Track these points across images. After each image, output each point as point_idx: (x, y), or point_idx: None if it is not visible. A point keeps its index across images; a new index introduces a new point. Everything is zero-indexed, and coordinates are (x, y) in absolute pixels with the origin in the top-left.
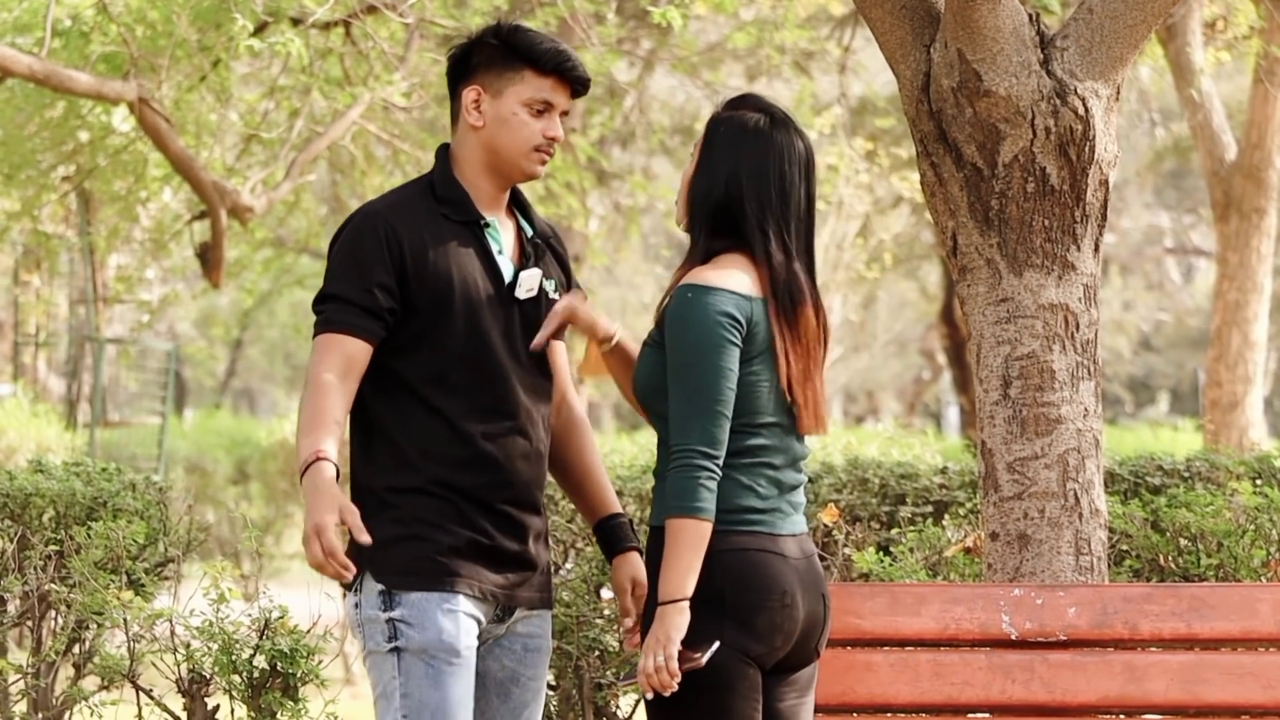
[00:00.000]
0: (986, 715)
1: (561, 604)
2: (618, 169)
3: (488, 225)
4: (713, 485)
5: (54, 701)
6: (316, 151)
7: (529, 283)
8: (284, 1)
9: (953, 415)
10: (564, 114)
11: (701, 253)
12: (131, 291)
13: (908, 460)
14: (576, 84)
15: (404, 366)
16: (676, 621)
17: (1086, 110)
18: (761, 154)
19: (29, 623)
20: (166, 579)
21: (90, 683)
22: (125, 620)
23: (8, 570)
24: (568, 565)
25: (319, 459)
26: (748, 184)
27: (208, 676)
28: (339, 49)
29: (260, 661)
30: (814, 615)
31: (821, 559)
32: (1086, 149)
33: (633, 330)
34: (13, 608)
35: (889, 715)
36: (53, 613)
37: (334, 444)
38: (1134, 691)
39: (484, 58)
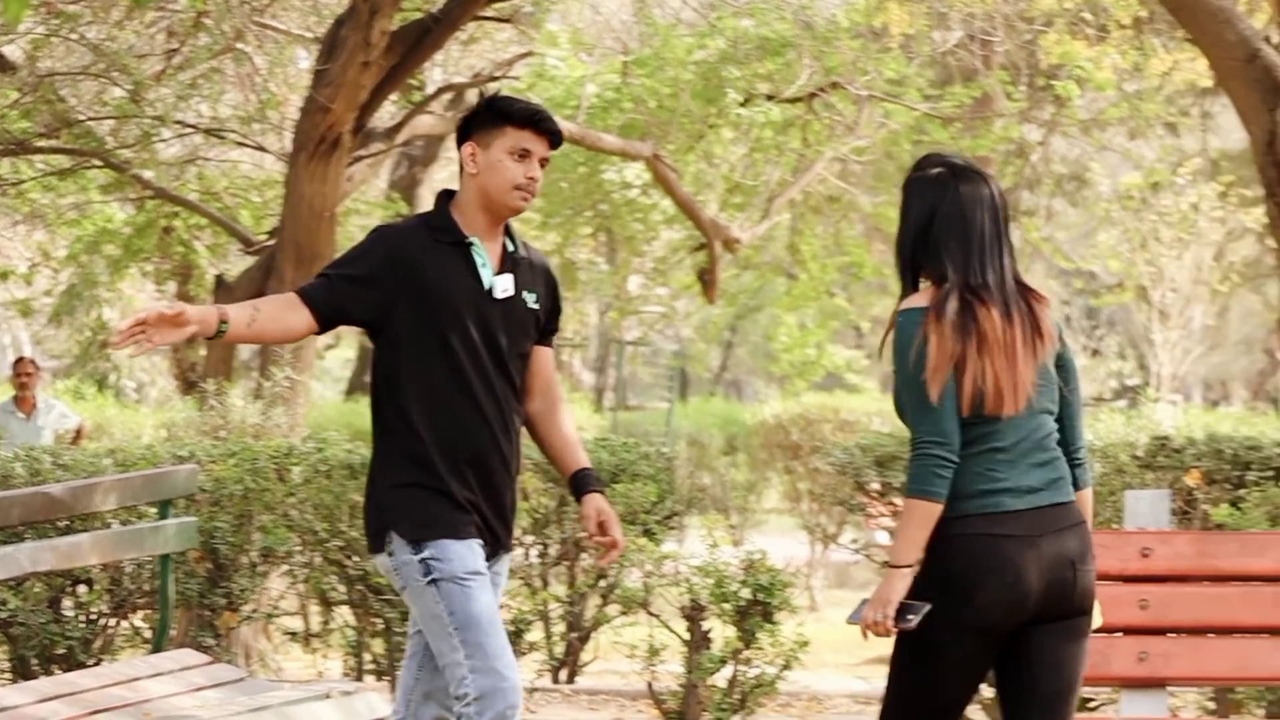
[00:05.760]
0: None
1: None
2: (1028, 207)
3: (471, 244)
4: (946, 473)
5: (585, 624)
6: (789, 196)
7: (503, 285)
8: (760, 84)
9: None
10: (543, 161)
11: (909, 290)
12: (646, 303)
13: (1254, 435)
14: (550, 134)
15: (405, 354)
16: (898, 586)
17: None
18: (941, 200)
19: (566, 563)
20: (673, 529)
21: (613, 609)
22: (641, 561)
23: (549, 522)
24: None
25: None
26: (935, 227)
27: (704, 605)
28: (803, 117)
29: (745, 593)
30: (1056, 580)
31: (1186, 513)
32: None
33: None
34: (554, 551)
35: (1239, 636)
36: (583, 555)
37: (237, 309)
38: None
39: (478, 122)
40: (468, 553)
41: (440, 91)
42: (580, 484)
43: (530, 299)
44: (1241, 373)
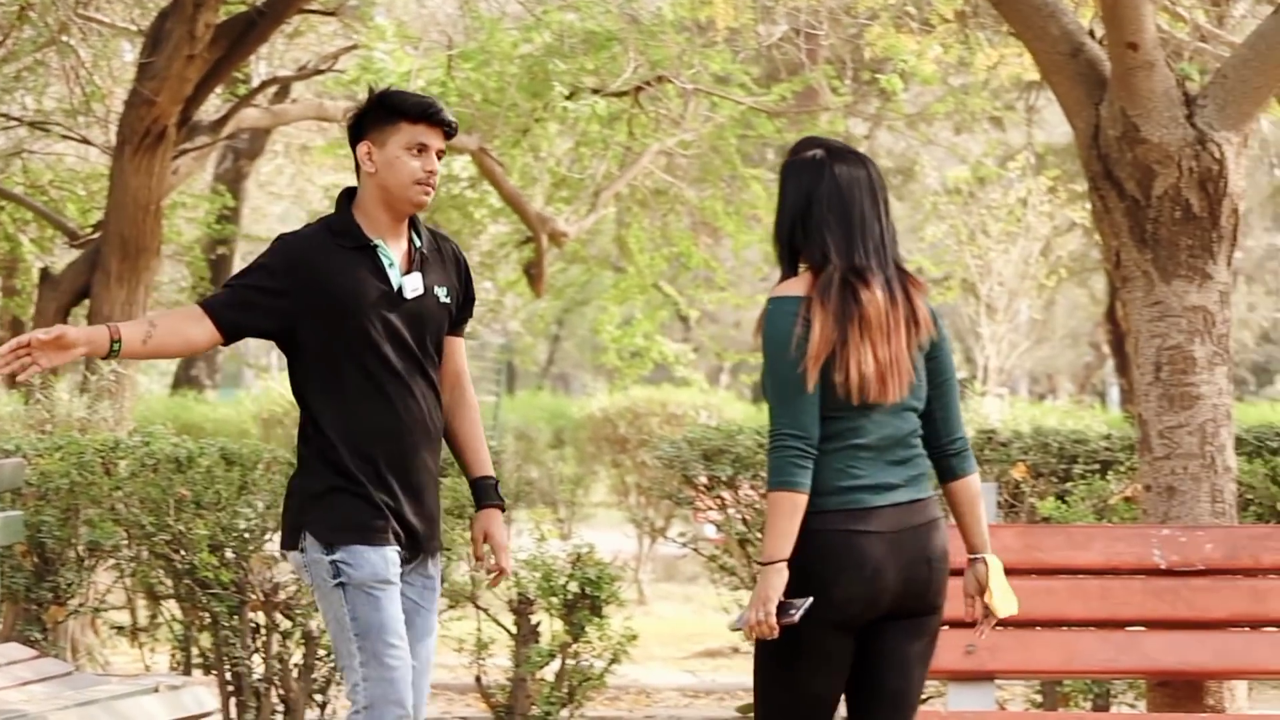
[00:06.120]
0: (1141, 628)
1: None
2: None
3: (376, 246)
4: (806, 463)
5: None
6: (615, 189)
7: (412, 284)
8: (586, 77)
9: (1115, 393)
10: (440, 153)
11: (787, 274)
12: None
13: (1080, 428)
14: (445, 126)
15: (316, 363)
16: (774, 582)
17: (1221, 154)
18: (818, 182)
19: None
20: None
21: (440, 603)
22: (468, 554)
23: None
24: None
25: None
26: (814, 210)
27: (532, 598)
28: (629, 110)
29: (573, 587)
30: (913, 578)
31: (1012, 506)
32: (1221, 185)
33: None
34: None
35: (1065, 629)
36: None
37: (131, 326)
38: (1258, 609)
39: (371, 119)
40: (380, 560)
41: (265, 85)
42: (478, 494)
43: (442, 294)
44: (1068, 366)
